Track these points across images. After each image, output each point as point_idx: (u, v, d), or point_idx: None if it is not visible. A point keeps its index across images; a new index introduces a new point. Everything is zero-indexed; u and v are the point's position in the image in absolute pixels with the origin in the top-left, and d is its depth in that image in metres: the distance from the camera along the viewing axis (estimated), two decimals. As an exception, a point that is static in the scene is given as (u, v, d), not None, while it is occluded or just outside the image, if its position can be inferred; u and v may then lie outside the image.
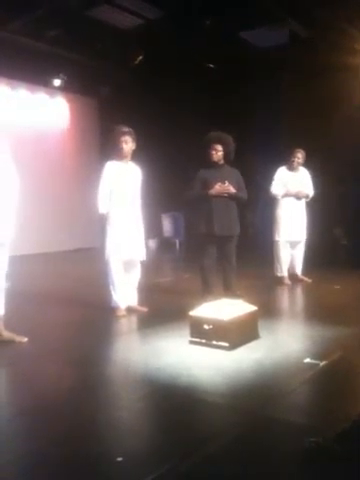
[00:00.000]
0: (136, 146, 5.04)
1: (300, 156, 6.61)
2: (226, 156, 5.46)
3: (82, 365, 3.65)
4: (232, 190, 5.36)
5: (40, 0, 7.48)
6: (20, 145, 10.05)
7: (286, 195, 6.61)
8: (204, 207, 5.36)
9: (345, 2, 6.82)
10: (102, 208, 4.97)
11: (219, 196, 5.34)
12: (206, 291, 5.44)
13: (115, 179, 4.95)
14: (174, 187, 10.52)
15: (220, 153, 5.41)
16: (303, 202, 6.74)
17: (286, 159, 6.68)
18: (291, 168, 6.66)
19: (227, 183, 5.33)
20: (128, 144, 4.96)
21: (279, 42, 8.56)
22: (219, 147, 5.40)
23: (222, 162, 5.47)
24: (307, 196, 6.71)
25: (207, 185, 5.36)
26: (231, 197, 5.41)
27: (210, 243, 5.41)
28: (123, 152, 4.95)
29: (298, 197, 6.63)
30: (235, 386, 3.17)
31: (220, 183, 5.31)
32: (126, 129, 4.99)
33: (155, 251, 10.65)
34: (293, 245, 6.75)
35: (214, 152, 5.40)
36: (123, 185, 4.97)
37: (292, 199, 6.63)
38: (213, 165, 5.44)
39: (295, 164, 6.63)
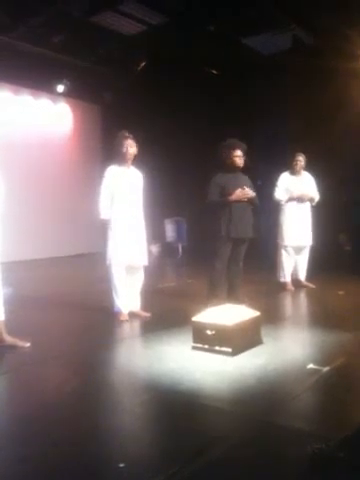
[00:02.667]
0: (139, 151, 5.06)
1: (301, 159, 6.65)
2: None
3: (84, 370, 3.65)
4: (252, 194, 5.44)
5: (44, 6, 7.52)
6: (23, 150, 10.11)
7: (290, 200, 6.62)
8: (224, 210, 5.41)
9: (348, 8, 6.83)
10: (104, 214, 4.98)
11: (238, 200, 5.42)
12: (212, 294, 5.44)
13: (117, 184, 4.96)
14: (177, 192, 10.58)
15: (242, 159, 5.50)
16: (308, 207, 6.73)
17: (288, 164, 6.71)
18: (294, 172, 6.69)
19: (246, 188, 5.40)
20: (132, 148, 4.99)
21: (282, 48, 8.58)
22: (241, 153, 5.49)
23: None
24: (312, 199, 6.70)
25: (225, 190, 5.42)
26: (250, 201, 5.48)
27: (225, 246, 5.46)
28: (127, 156, 4.98)
29: (301, 200, 6.62)
30: (238, 392, 3.16)
31: (240, 188, 5.37)
32: (129, 134, 5.02)
33: (158, 256, 10.65)
34: (298, 251, 6.73)
35: (238, 158, 5.48)
36: (125, 190, 4.98)
37: (296, 204, 6.62)
38: (230, 171, 5.51)
39: (298, 167, 6.66)
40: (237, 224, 5.41)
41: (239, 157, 5.48)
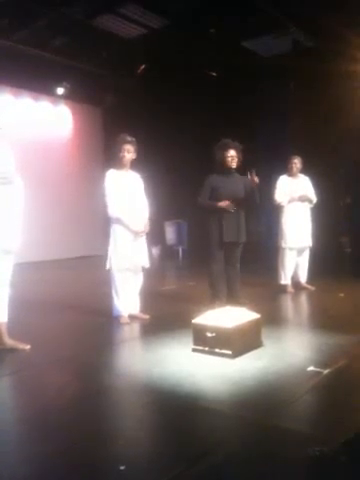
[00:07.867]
0: (140, 154, 5.05)
1: (297, 162, 6.72)
2: (238, 163, 5.56)
3: (85, 373, 3.65)
4: (232, 209, 5.42)
5: (45, 9, 7.54)
6: (23, 153, 10.09)
7: (290, 201, 6.64)
8: (215, 214, 5.45)
9: (348, 10, 6.85)
10: (113, 211, 4.93)
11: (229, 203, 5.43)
12: (215, 296, 5.47)
13: (116, 188, 4.94)
14: (177, 195, 10.58)
15: (236, 159, 5.50)
16: (307, 208, 6.75)
17: (286, 167, 6.75)
18: (291, 174, 6.74)
19: (233, 206, 5.40)
20: (130, 153, 4.97)
21: (283, 50, 8.60)
22: (235, 153, 5.49)
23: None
24: (311, 201, 6.73)
25: (217, 192, 5.45)
26: (240, 205, 5.50)
27: (218, 249, 5.49)
28: (124, 161, 4.97)
29: (302, 200, 6.65)
30: (238, 394, 3.15)
31: (229, 203, 5.38)
32: (129, 138, 5.00)
33: (158, 259, 10.65)
34: (299, 252, 6.74)
35: (230, 158, 5.49)
36: (123, 194, 4.96)
37: (297, 205, 6.64)
38: (225, 171, 5.53)
39: (294, 170, 6.72)
40: (228, 228, 5.42)
41: (232, 157, 5.48)
